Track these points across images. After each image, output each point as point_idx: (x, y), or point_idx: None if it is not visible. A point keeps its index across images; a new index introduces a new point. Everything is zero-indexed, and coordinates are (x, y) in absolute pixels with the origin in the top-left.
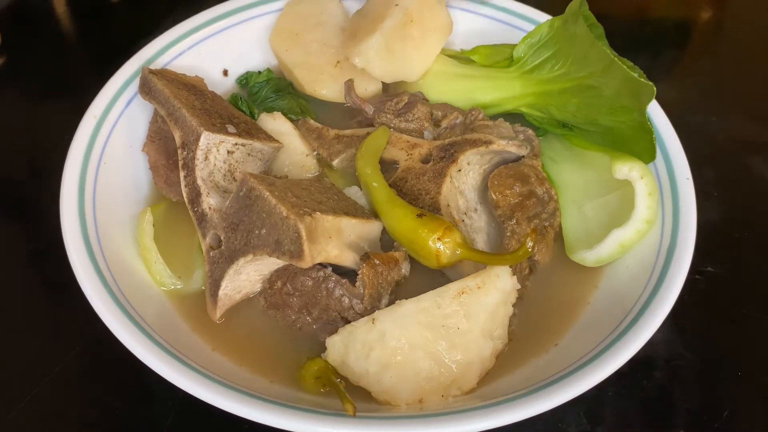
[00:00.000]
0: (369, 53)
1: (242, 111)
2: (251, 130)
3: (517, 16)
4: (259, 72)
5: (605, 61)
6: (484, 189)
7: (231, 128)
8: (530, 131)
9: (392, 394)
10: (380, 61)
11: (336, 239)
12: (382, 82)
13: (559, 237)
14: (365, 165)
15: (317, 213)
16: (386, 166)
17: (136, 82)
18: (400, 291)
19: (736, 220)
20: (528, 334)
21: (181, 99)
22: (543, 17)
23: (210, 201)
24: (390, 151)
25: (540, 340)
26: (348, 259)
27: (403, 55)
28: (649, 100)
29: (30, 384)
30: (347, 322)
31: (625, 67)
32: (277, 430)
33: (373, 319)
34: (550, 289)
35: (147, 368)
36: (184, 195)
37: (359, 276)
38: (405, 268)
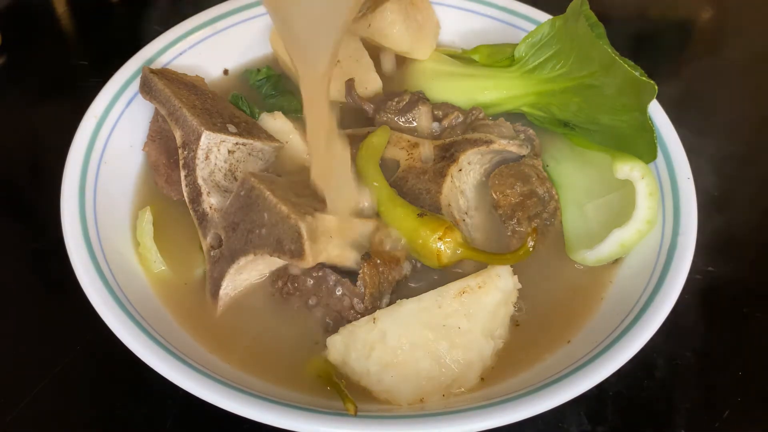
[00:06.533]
0: (389, 15)
1: (243, 110)
2: (252, 130)
3: (518, 15)
4: (259, 70)
5: (606, 60)
6: (484, 188)
7: (232, 128)
8: (531, 131)
9: (393, 393)
10: (398, 25)
11: (337, 238)
12: (395, 53)
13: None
14: (366, 164)
15: (318, 212)
16: (387, 166)
17: (137, 82)
18: (401, 290)
19: (737, 219)
20: (537, 333)
21: (181, 98)
22: (544, 17)
23: (211, 200)
24: (390, 150)
25: (550, 339)
26: (349, 259)
27: (415, 27)
28: (651, 99)
29: (30, 384)
30: (348, 321)
31: (626, 66)
32: (278, 430)
33: (374, 319)
34: (561, 287)
35: (147, 368)
36: (185, 194)
37: (360, 275)
38: (406, 268)
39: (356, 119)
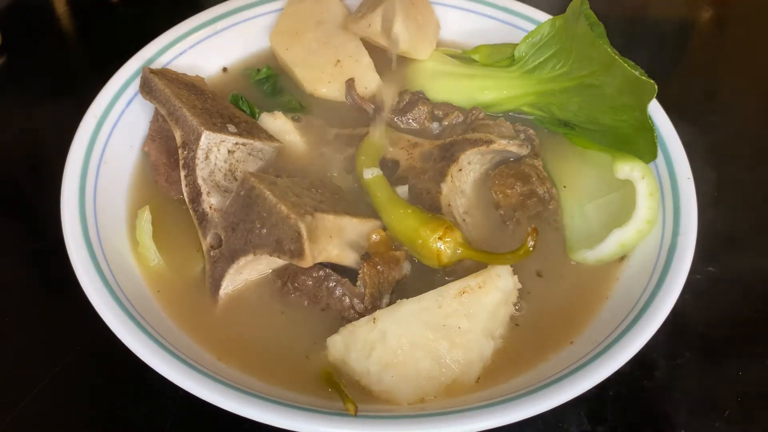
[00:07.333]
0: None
1: (243, 110)
2: (252, 130)
3: (518, 15)
4: (258, 70)
5: (607, 60)
6: (485, 188)
7: (232, 128)
8: (531, 131)
9: (393, 393)
10: (398, 25)
11: (337, 238)
12: (395, 53)
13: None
14: (366, 164)
15: (318, 212)
16: (387, 166)
17: (137, 82)
18: (401, 290)
19: (737, 219)
20: (538, 333)
21: (181, 98)
22: (544, 17)
23: (211, 200)
24: (391, 150)
25: (552, 339)
26: (349, 259)
27: (415, 27)
28: (651, 98)
29: (30, 384)
30: (348, 321)
31: (626, 65)
32: (278, 430)
33: (374, 319)
34: (562, 287)
35: (147, 368)
36: (185, 194)
37: (360, 275)
38: (406, 268)
39: (356, 119)
